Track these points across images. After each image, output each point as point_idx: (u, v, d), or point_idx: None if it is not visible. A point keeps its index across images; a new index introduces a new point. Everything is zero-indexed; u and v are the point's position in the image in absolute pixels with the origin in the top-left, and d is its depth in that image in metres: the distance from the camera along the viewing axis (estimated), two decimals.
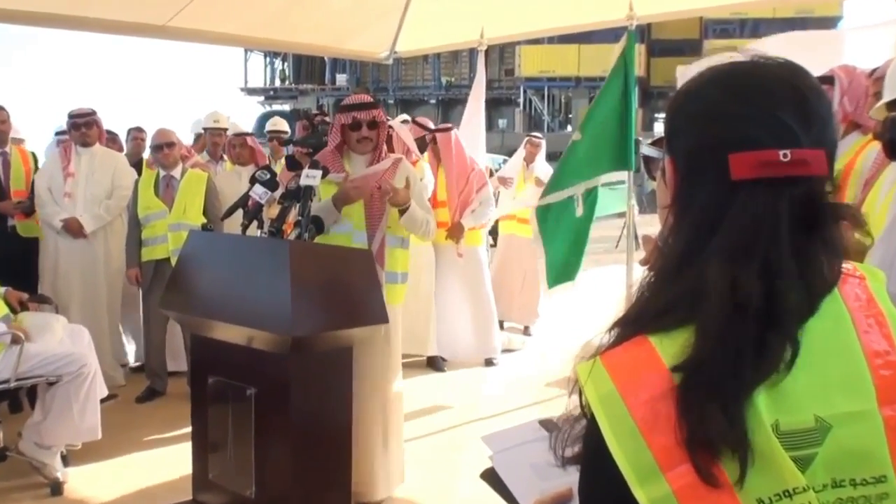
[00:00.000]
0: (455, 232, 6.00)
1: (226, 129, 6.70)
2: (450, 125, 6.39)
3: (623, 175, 5.44)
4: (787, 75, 0.92)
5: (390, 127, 5.79)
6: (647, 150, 2.95)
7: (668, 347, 0.85)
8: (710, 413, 0.80)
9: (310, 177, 3.41)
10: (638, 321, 0.90)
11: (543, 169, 7.23)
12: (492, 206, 6.26)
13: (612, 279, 7.39)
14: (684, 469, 0.80)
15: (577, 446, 0.94)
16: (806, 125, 0.89)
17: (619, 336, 0.91)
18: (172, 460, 4.29)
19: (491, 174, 6.99)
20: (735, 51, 0.96)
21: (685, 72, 4.90)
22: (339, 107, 3.88)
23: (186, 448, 3.59)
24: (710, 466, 0.79)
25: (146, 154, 6.99)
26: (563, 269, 5.42)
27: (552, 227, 5.30)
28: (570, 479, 0.99)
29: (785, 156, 0.86)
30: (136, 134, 7.28)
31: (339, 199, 3.66)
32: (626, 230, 5.79)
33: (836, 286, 0.90)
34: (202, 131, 7.07)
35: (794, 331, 0.85)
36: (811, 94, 0.91)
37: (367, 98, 3.91)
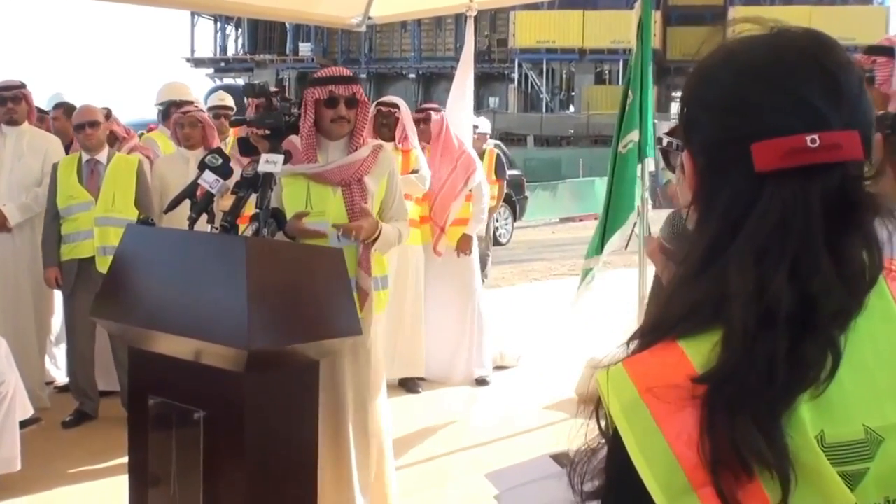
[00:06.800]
0: (464, 246, 6.29)
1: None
2: (437, 105, 6.49)
3: (650, 164, 5.55)
4: (810, 49, 0.94)
5: (396, 107, 5.85)
6: (665, 140, 3.01)
7: (698, 352, 0.87)
8: (740, 429, 0.81)
9: (270, 162, 3.39)
10: (660, 328, 0.92)
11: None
12: (485, 196, 6.42)
13: (621, 285, 7.41)
14: (708, 491, 0.82)
15: (596, 480, 0.95)
16: (835, 104, 0.90)
17: (641, 345, 0.93)
18: (105, 496, 4.26)
19: None
20: (756, 22, 0.97)
21: None
22: (311, 79, 3.81)
23: (122, 481, 3.55)
24: (734, 489, 0.81)
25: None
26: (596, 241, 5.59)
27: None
28: None
29: (813, 141, 0.88)
30: (55, 113, 7.21)
31: (295, 230, 3.60)
32: (636, 228, 5.81)
33: (883, 281, 0.93)
34: (160, 106, 7.07)
35: (835, 336, 0.87)
36: (838, 69, 0.92)
37: (345, 71, 3.87)
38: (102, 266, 5.16)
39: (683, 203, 1.03)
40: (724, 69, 0.96)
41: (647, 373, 0.88)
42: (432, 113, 6.29)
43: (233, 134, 6.21)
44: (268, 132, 3.66)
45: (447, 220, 6.17)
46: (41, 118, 6.69)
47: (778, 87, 0.91)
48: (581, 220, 21.67)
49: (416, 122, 6.25)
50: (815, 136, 0.88)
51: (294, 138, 3.74)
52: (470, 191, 6.29)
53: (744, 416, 0.81)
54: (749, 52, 0.95)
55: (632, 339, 0.94)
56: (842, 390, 0.85)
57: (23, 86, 5.81)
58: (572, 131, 33.71)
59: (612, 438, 0.90)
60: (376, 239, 3.70)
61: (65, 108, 6.88)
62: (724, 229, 0.91)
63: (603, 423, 0.92)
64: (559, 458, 1.25)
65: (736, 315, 0.86)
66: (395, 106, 5.93)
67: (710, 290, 0.89)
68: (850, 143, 0.89)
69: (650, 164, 5.58)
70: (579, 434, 0.96)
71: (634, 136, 5.33)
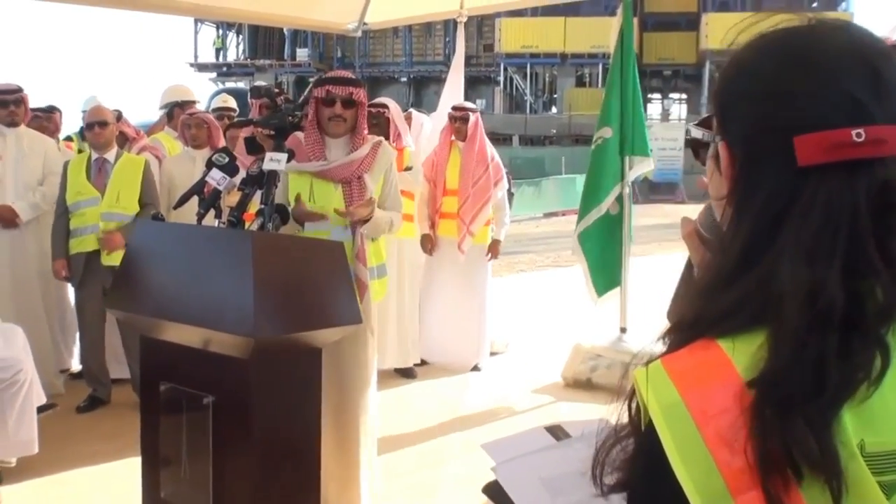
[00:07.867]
0: (496, 251, 6.41)
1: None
2: (473, 106, 6.57)
3: (649, 163, 5.56)
4: (851, 40, 0.88)
5: (385, 107, 5.85)
6: (694, 131, 2.97)
7: (741, 354, 0.82)
8: (796, 433, 0.76)
9: (274, 160, 3.38)
10: (698, 324, 0.86)
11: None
12: (507, 206, 6.59)
13: None
14: (754, 495, 0.77)
15: (616, 473, 0.90)
16: (878, 97, 0.84)
17: (677, 342, 0.87)
18: (119, 477, 4.25)
19: None
20: (792, 13, 0.92)
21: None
22: (316, 80, 3.87)
23: (135, 463, 3.54)
24: (781, 494, 0.76)
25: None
26: (609, 274, 5.59)
27: (591, 235, 5.52)
28: (585, 494, 0.97)
29: (858, 135, 0.82)
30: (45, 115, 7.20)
31: (299, 213, 3.62)
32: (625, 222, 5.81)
33: None
34: (164, 108, 7.06)
35: (884, 336, 0.81)
36: (881, 61, 0.86)
37: (346, 74, 3.91)
38: (105, 260, 5.20)
39: (716, 196, 0.95)
40: (764, 58, 0.90)
41: (686, 372, 0.82)
42: (470, 113, 6.32)
43: (232, 137, 6.19)
44: (272, 132, 3.65)
45: (474, 223, 6.23)
46: (48, 117, 6.73)
47: (820, 78, 0.85)
48: (564, 215, 21.69)
49: (453, 119, 6.30)
50: (861, 131, 0.82)
51: (298, 135, 3.74)
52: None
53: (797, 420, 0.76)
54: (789, 42, 0.89)
55: (668, 332, 0.88)
56: (882, 398, 0.80)
57: (20, 89, 5.82)
58: (555, 131, 33.72)
59: (647, 434, 0.85)
60: (367, 221, 3.71)
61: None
62: (764, 225, 0.85)
63: (635, 409, 0.87)
64: (552, 430, 1.25)
65: (789, 316, 0.80)
66: (384, 106, 5.92)
67: (753, 288, 0.83)
68: (895, 137, 0.83)
69: (649, 164, 5.59)
70: (569, 414, 0.94)
71: (606, 132, 5.35)
